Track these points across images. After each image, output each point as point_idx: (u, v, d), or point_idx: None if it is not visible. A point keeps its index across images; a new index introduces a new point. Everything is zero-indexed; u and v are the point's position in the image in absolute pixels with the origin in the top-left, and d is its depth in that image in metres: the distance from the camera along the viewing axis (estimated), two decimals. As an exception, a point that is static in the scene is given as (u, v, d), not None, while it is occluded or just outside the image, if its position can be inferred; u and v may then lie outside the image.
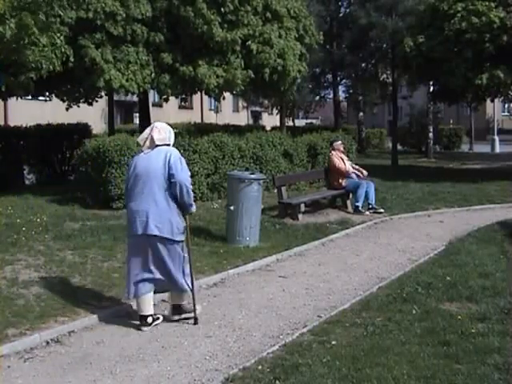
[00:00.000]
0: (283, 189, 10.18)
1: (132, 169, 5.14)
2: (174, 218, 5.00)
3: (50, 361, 4.42)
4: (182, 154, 5.27)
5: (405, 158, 23.83)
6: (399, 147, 25.52)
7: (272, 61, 12.63)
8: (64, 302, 5.50)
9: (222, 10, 11.94)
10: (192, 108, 35.50)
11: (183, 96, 18.87)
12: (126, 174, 5.31)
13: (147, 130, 5.22)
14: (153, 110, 16.73)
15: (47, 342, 4.73)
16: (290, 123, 34.06)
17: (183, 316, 5.23)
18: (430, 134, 24.94)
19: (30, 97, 13.76)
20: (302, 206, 10.01)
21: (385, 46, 23.42)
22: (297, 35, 13.84)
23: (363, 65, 25.71)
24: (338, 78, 27.37)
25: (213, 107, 36.73)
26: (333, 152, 11.25)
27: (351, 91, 29.17)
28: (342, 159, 11.15)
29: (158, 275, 5.07)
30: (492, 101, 23.83)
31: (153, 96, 22.57)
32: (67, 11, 10.34)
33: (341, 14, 26.56)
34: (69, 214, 9.52)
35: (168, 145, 5.16)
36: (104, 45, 11.16)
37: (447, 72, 15.21)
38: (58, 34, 9.94)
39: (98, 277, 6.31)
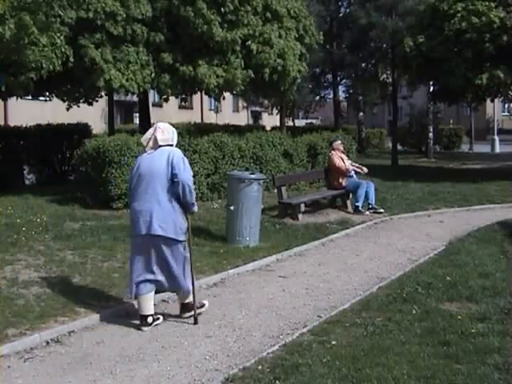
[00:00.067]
0: (283, 189, 10.18)
1: (135, 169, 5.18)
2: (177, 218, 5.03)
3: (49, 361, 4.42)
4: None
5: (405, 158, 23.83)
6: (399, 147, 25.53)
7: (272, 61, 12.63)
8: (64, 301, 5.50)
9: (222, 9, 11.94)
10: (192, 108, 35.49)
11: (183, 96, 18.87)
12: (129, 174, 5.34)
13: (150, 131, 5.24)
14: (153, 110, 16.73)
15: (47, 342, 4.73)
16: (290, 123, 34.06)
17: (193, 313, 5.23)
18: (430, 134, 24.94)
19: (30, 97, 13.77)
20: (302, 205, 10.01)
21: (385, 45, 23.42)
22: (297, 35, 13.84)
23: (363, 65, 25.70)
24: (338, 78, 27.37)
25: (213, 107, 36.72)
26: (333, 152, 11.25)
27: (351, 91, 29.16)
28: (342, 159, 11.15)
29: (159, 276, 5.09)
30: (492, 101, 23.83)
31: (153, 96, 22.56)
32: (67, 11, 10.34)
33: (341, 14, 26.55)
34: (69, 214, 9.52)
35: (171, 145, 5.19)
36: (104, 45, 11.15)
37: (447, 72, 15.21)
38: (58, 34, 9.94)
39: (98, 277, 6.32)
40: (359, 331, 4.83)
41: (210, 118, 34.10)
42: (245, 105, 40.22)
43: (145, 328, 5.01)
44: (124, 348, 4.65)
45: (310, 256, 7.83)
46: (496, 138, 31.44)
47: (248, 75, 12.42)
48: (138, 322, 5.09)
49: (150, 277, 5.07)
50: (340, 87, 28.99)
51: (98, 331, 5.01)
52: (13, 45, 9.13)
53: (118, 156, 10.03)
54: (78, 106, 13.52)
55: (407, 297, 5.70)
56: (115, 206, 10.05)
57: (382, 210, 10.79)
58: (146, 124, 14.91)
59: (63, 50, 10.23)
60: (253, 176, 8.20)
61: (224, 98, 14.61)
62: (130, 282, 5.14)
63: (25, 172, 13.96)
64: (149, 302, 5.07)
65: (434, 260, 7.32)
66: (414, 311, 5.28)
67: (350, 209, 10.98)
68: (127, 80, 11.29)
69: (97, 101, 14.05)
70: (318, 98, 30.37)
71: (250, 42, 12.51)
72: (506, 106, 48.36)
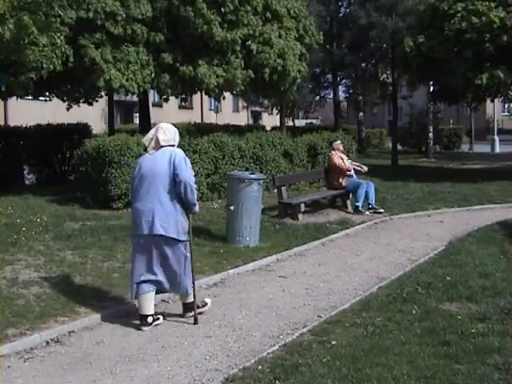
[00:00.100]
0: (283, 189, 10.18)
1: (137, 169, 5.19)
2: (178, 218, 5.05)
3: (49, 361, 4.42)
4: (183, 155, 5.29)
5: (405, 158, 23.84)
6: (399, 147, 25.53)
7: (272, 61, 12.62)
8: (64, 301, 5.50)
9: (222, 9, 11.93)
10: (192, 108, 35.49)
11: (183, 96, 18.87)
12: (130, 174, 5.36)
13: (152, 131, 5.26)
14: (153, 110, 16.73)
15: (47, 342, 4.73)
16: (290, 123, 34.05)
17: (199, 310, 5.25)
18: (430, 134, 24.94)
19: (30, 97, 13.77)
20: (302, 205, 10.01)
21: (385, 46, 23.41)
22: (297, 35, 13.84)
23: (363, 65, 25.70)
24: (338, 78, 27.36)
25: (213, 107, 36.72)
26: (333, 152, 11.25)
27: (351, 91, 29.16)
28: (342, 159, 11.15)
29: (160, 277, 5.10)
30: (492, 101, 23.82)
31: (153, 96, 22.56)
32: (67, 11, 10.34)
33: (341, 14, 26.54)
34: (69, 214, 9.52)
35: (173, 145, 5.20)
36: (104, 45, 11.15)
37: (447, 72, 15.21)
38: (58, 34, 9.94)
39: (97, 277, 6.32)
40: (359, 331, 4.83)
41: (210, 117, 34.10)
42: (245, 105, 40.22)
43: (145, 328, 5.02)
44: (124, 348, 4.65)
45: (309, 256, 7.83)
46: (496, 138, 31.44)
47: (248, 75, 12.42)
48: (138, 321, 5.09)
49: (151, 277, 5.08)
50: (340, 87, 29.03)
51: (98, 331, 5.01)
52: (13, 45, 9.13)
53: (118, 156, 10.03)
54: (79, 106, 13.52)
55: (407, 297, 5.70)
56: (115, 206, 10.05)
57: (382, 210, 10.79)
58: (145, 124, 14.92)
59: (63, 49, 10.23)
60: (253, 176, 8.20)
61: (224, 98, 14.61)
62: (130, 281, 5.15)
63: (25, 172, 13.96)
64: (149, 302, 5.07)
65: (434, 260, 7.32)
66: (414, 311, 5.28)
67: (350, 209, 10.98)
68: (127, 80, 11.29)
69: (97, 101, 14.05)
70: (318, 98, 30.37)
71: (249, 42, 12.51)
72: (506, 105, 48.36)
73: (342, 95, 31.43)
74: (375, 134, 34.75)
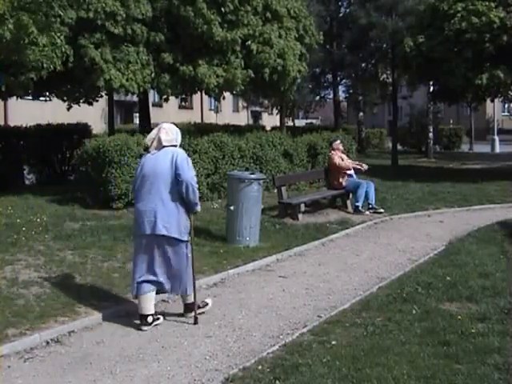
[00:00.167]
0: (283, 189, 10.18)
1: (139, 169, 5.22)
2: (181, 218, 5.08)
3: (49, 361, 4.42)
4: (184, 155, 5.29)
5: (405, 158, 23.83)
6: (399, 147, 25.52)
7: (272, 61, 12.62)
8: (64, 302, 5.50)
9: (222, 9, 11.93)
10: (192, 108, 35.49)
11: (183, 96, 18.87)
12: (130, 174, 5.38)
13: (154, 131, 5.27)
14: (153, 110, 16.72)
15: (47, 342, 4.73)
16: (290, 123, 34.05)
17: (199, 311, 5.25)
18: (430, 134, 24.94)
19: (30, 97, 13.76)
20: (302, 205, 10.01)
21: (385, 45, 23.41)
22: (297, 35, 13.84)
23: (363, 65, 25.69)
24: (338, 78, 27.36)
25: (213, 107, 36.72)
26: (333, 152, 11.25)
27: (351, 91, 29.15)
28: (342, 159, 11.15)
29: (161, 278, 5.11)
30: (492, 101, 23.82)
31: (153, 96, 22.56)
32: (67, 11, 10.33)
33: (341, 14, 26.53)
34: (69, 214, 9.52)
35: (175, 146, 5.22)
36: (104, 45, 11.15)
37: (447, 72, 15.21)
38: (58, 34, 9.93)
39: (97, 277, 6.32)
40: (359, 331, 4.83)
41: (210, 117, 34.10)
42: (245, 105, 40.21)
43: (145, 327, 5.02)
44: (124, 348, 4.65)
45: (310, 256, 7.83)
46: (496, 138, 31.44)
47: (248, 75, 12.42)
48: (138, 321, 5.09)
49: (152, 278, 5.09)
50: (340, 87, 29.02)
51: (98, 331, 5.02)
52: (13, 45, 9.13)
53: (118, 156, 10.03)
54: (79, 106, 13.52)
55: (407, 297, 5.70)
56: (115, 206, 10.04)
57: (382, 210, 10.80)
58: (146, 124, 14.92)
59: (63, 49, 10.23)
60: (253, 176, 8.20)
61: (224, 98, 14.61)
62: (132, 281, 5.16)
63: (25, 172, 13.95)
64: (149, 302, 5.08)
65: (434, 260, 7.32)
66: (414, 311, 5.29)
67: (350, 209, 10.98)
68: (127, 80, 11.28)
69: (97, 101, 14.05)
70: (318, 98, 30.36)
71: (249, 42, 12.51)
72: (506, 106, 48.35)
73: (342, 95, 31.48)
74: (375, 134, 34.74)
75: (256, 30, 12.56)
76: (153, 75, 11.89)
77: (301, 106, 34.10)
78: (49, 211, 9.68)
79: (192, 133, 12.17)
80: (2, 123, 19.33)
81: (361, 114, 30.76)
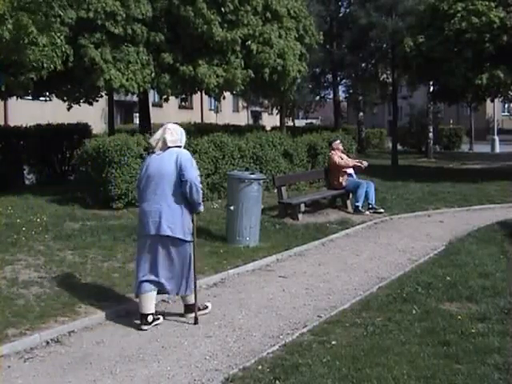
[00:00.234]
0: (283, 189, 10.18)
1: (144, 170, 5.23)
2: (185, 219, 5.10)
3: (49, 361, 4.42)
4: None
5: (405, 158, 23.83)
6: (399, 147, 25.53)
7: (272, 61, 12.63)
8: (64, 301, 5.50)
9: (222, 9, 11.94)
10: (192, 108, 35.49)
11: (183, 96, 18.86)
12: (139, 174, 5.41)
13: (160, 132, 5.29)
14: (153, 110, 16.72)
15: (47, 342, 4.73)
16: (290, 123, 34.05)
17: (198, 313, 5.24)
18: (430, 134, 24.94)
19: (30, 97, 13.77)
20: (302, 205, 10.01)
21: (385, 45, 23.41)
22: (297, 35, 13.84)
23: (363, 65, 25.70)
24: (338, 78, 27.37)
25: (213, 107, 36.73)
26: (332, 152, 11.25)
27: (351, 91, 29.16)
28: (342, 158, 11.14)
29: (162, 279, 5.12)
30: (492, 101, 23.82)
31: (153, 96, 22.56)
32: (67, 11, 10.34)
33: (341, 14, 26.55)
34: (69, 214, 9.52)
35: (179, 146, 5.23)
36: (104, 45, 11.15)
37: (447, 72, 15.21)
38: (58, 34, 9.94)
39: (97, 277, 6.32)
40: (359, 331, 4.83)
41: (210, 118, 34.11)
42: (245, 105, 40.23)
43: (145, 327, 5.02)
44: (124, 348, 4.65)
45: (310, 256, 7.83)
46: (496, 138, 31.44)
47: (248, 75, 12.43)
48: (138, 321, 5.09)
49: (153, 278, 5.10)
50: (340, 87, 29.04)
51: (98, 331, 5.02)
52: (13, 45, 9.13)
53: (118, 156, 10.03)
54: (79, 105, 13.52)
55: (407, 297, 5.70)
56: (115, 206, 10.04)
57: (382, 210, 10.79)
58: (146, 124, 14.92)
59: (64, 49, 10.23)
60: (253, 176, 8.20)
61: (224, 98, 14.61)
62: (135, 280, 5.19)
63: (25, 172, 13.95)
64: (150, 301, 5.08)
65: (434, 260, 7.32)
66: (414, 311, 5.28)
67: (350, 209, 10.98)
68: (127, 80, 11.29)
69: (97, 101, 14.05)
70: (318, 98, 30.38)
71: (249, 42, 12.51)
72: (506, 106, 48.35)
73: (342, 95, 31.49)
74: (375, 133, 34.75)
75: (256, 29, 12.56)
76: (153, 75, 11.89)
77: (301, 105, 34.13)
78: (49, 211, 9.68)
79: (192, 133, 12.17)
80: (2, 123, 19.33)
81: (361, 114, 30.77)
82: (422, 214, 11.02)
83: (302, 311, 5.56)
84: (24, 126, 14.02)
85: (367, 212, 10.67)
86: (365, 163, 11.19)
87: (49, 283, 6.03)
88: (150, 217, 5.05)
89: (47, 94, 13.56)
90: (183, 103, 33.67)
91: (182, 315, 5.34)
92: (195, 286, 5.24)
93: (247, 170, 9.28)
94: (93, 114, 21.20)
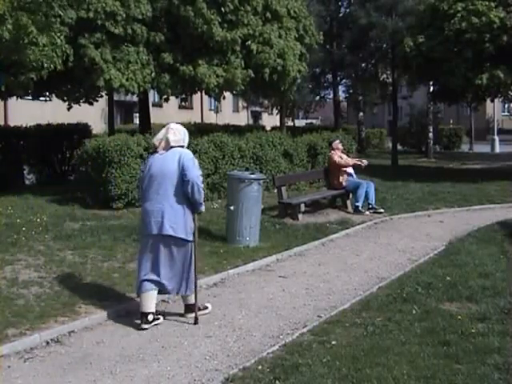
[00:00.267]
0: (283, 189, 10.18)
1: (147, 169, 5.25)
2: (187, 219, 5.11)
3: (49, 361, 4.42)
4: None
5: (405, 158, 23.83)
6: (399, 147, 25.52)
7: (272, 61, 12.63)
8: (64, 301, 5.50)
9: (222, 9, 11.94)
10: (192, 108, 35.50)
11: (183, 96, 18.86)
12: (140, 173, 5.42)
13: (163, 131, 5.30)
14: (153, 110, 16.72)
15: (47, 342, 4.72)
16: (290, 123, 34.05)
17: (198, 313, 5.24)
18: (430, 134, 24.94)
19: (30, 97, 13.77)
20: (302, 205, 10.01)
21: (385, 45, 23.42)
22: (297, 35, 13.84)
23: (363, 65, 25.70)
24: (338, 78, 27.37)
25: (213, 107, 36.73)
26: (332, 152, 11.25)
27: (351, 91, 29.15)
28: (341, 157, 11.14)
29: (164, 279, 5.13)
30: (492, 101, 23.83)
31: (153, 96, 22.56)
32: (67, 11, 10.34)
33: (341, 14, 26.55)
34: (69, 214, 9.52)
35: (182, 146, 5.25)
36: (104, 45, 11.15)
37: (447, 72, 15.21)
38: (58, 34, 9.94)
39: (97, 277, 6.32)
40: (359, 331, 4.83)
41: (210, 118, 34.12)
42: (245, 105, 40.23)
43: (145, 325, 5.01)
44: (124, 348, 4.65)
45: (310, 256, 7.83)
46: (496, 138, 31.44)
47: (248, 75, 12.43)
48: (138, 321, 5.08)
49: (155, 278, 5.11)
50: (340, 87, 29.05)
51: (98, 331, 5.01)
52: (13, 45, 9.13)
53: (118, 156, 10.03)
54: (80, 105, 13.52)
55: (407, 297, 5.70)
56: (115, 206, 10.04)
57: (382, 210, 10.79)
58: (145, 124, 14.92)
59: (64, 49, 10.23)
60: (253, 176, 8.20)
61: (224, 98, 14.62)
62: (137, 279, 5.19)
63: (25, 172, 13.95)
64: (150, 300, 5.09)
65: (434, 260, 7.32)
66: (414, 311, 5.28)
67: (350, 209, 10.98)
68: (127, 80, 11.29)
69: (97, 101, 14.06)
70: (318, 98, 30.38)
71: (249, 42, 12.52)
72: (506, 106, 48.36)
73: (342, 95, 31.49)
74: (375, 133, 34.75)
75: (256, 29, 12.57)
76: (153, 75, 11.89)
77: (301, 106, 34.13)
78: (49, 211, 9.68)
79: (192, 133, 12.14)
80: (2, 123, 19.34)
81: (361, 114, 30.76)
82: (421, 214, 11.02)
83: (302, 311, 5.56)
84: (24, 126, 14.02)
85: (367, 212, 10.67)
86: (364, 162, 11.20)
87: (49, 283, 6.03)
88: (152, 216, 5.07)
89: (47, 94, 13.56)
90: (183, 103, 33.68)
91: (182, 315, 5.35)
92: (196, 286, 5.24)
93: (247, 170, 9.27)
94: (93, 114, 21.21)
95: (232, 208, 7.99)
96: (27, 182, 13.90)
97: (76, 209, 10.04)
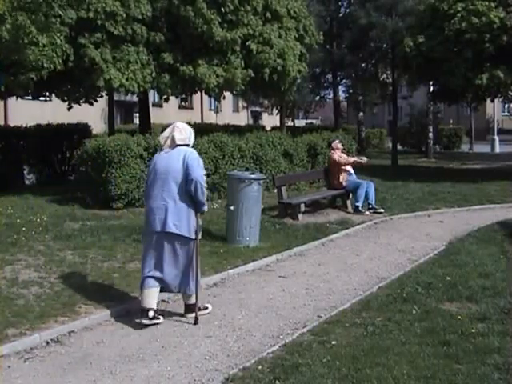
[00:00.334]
0: (283, 189, 10.18)
1: (152, 167, 5.28)
2: (190, 217, 5.13)
3: (49, 361, 4.42)
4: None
5: (405, 158, 23.83)
6: (399, 147, 25.52)
7: (272, 61, 12.63)
8: (64, 301, 5.50)
9: (222, 9, 11.95)
10: (192, 108, 35.50)
11: (183, 96, 18.87)
12: (147, 170, 5.44)
13: (169, 130, 5.34)
14: (153, 110, 16.73)
15: (47, 342, 4.72)
16: (290, 123, 34.05)
17: (198, 313, 5.24)
18: (430, 134, 24.94)
19: (30, 97, 13.77)
20: (302, 205, 10.01)
21: (385, 46, 23.40)
22: (297, 35, 13.85)
23: (363, 65, 25.68)
24: (338, 78, 27.35)
25: (213, 107, 36.73)
26: (332, 151, 11.25)
27: (351, 91, 29.14)
28: (341, 157, 11.14)
29: (166, 277, 5.14)
30: (492, 101, 23.83)
31: (153, 96, 22.57)
32: (67, 11, 10.35)
33: (341, 14, 26.53)
34: (69, 214, 9.52)
35: (188, 145, 5.28)
36: (104, 44, 11.16)
37: (447, 72, 15.21)
38: (58, 34, 9.94)
39: (97, 277, 6.31)
40: (359, 331, 4.83)
41: (210, 118, 34.11)
42: (245, 105, 40.23)
43: (145, 320, 5.00)
44: (124, 348, 4.65)
45: (310, 256, 7.83)
46: (496, 138, 31.44)
47: (248, 75, 12.43)
48: (138, 320, 5.06)
49: (159, 275, 5.12)
50: (340, 87, 29.02)
51: (98, 331, 5.01)
52: (12, 45, 9.13)
53: (118, 156, 10.03)
54: (80, 105, 13.53)
55: (407, 297, 5.70)
56: (115, 206, 10.04)
57: (382, 210, 10.79)
58: (146, 124, 14.92)
59: (64, 49, 10.23)
60: (253, 176, 8.20)
61: (224, 98, 14.62)
62: (141, 276, 5.19)
63: (25, 172, 13.95)
64: (152, 296, 5.09)
65: (434, 260, 7.32)
66: (414, 311, 5.28)
67: (350, 209, 10.98)
68: (127, 80, 11.29)
69: (97, 101, 14.05)
70: (318, 97, 30.37)
71: (249, 42, 12.52)
72: (506, 106, 48.36)
73: (342, 95, 31.47)
74: (375, 133, 34.76)
75: (256, 29, 12.57)
76: (153, 75, 11.90)
77: (301, 106, 34.13)
78: (49, 211, 9.68)
79: (192, 133, 12.17)
80: (2, 123, 19.34)
81: (361, 114, 30.75)
82: (421, 214, 11.02)
83: (302, 311, 5.56)
84: (24, 125, 14.02)
85: (367, 212, 10.67)
86: (364, 158, 11.21)
87: (49, 283, 6.03)
88: (156, 213, 5.08)
89: (47, 93, 13.56)
90: (183, 103, 33.69)
91: (182, 315, 5.35)
92: (197, 287, 5.23)
93: (247, 170, 9.28)
94: (93, 114, 21.20)
95: (232, 208, 7.99)
96: (27, 182, 13.91)
97: (76, 209, 10.04)
